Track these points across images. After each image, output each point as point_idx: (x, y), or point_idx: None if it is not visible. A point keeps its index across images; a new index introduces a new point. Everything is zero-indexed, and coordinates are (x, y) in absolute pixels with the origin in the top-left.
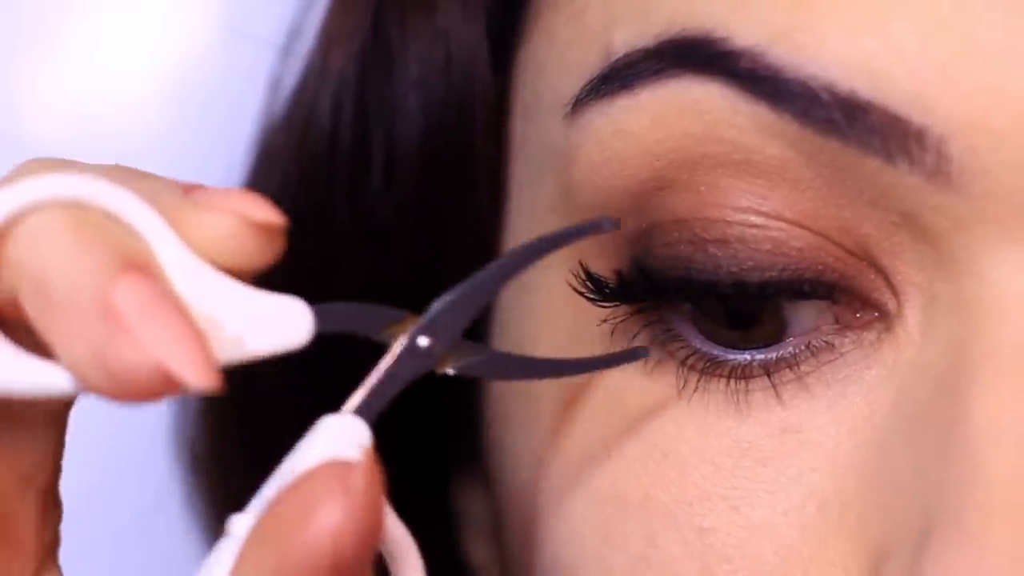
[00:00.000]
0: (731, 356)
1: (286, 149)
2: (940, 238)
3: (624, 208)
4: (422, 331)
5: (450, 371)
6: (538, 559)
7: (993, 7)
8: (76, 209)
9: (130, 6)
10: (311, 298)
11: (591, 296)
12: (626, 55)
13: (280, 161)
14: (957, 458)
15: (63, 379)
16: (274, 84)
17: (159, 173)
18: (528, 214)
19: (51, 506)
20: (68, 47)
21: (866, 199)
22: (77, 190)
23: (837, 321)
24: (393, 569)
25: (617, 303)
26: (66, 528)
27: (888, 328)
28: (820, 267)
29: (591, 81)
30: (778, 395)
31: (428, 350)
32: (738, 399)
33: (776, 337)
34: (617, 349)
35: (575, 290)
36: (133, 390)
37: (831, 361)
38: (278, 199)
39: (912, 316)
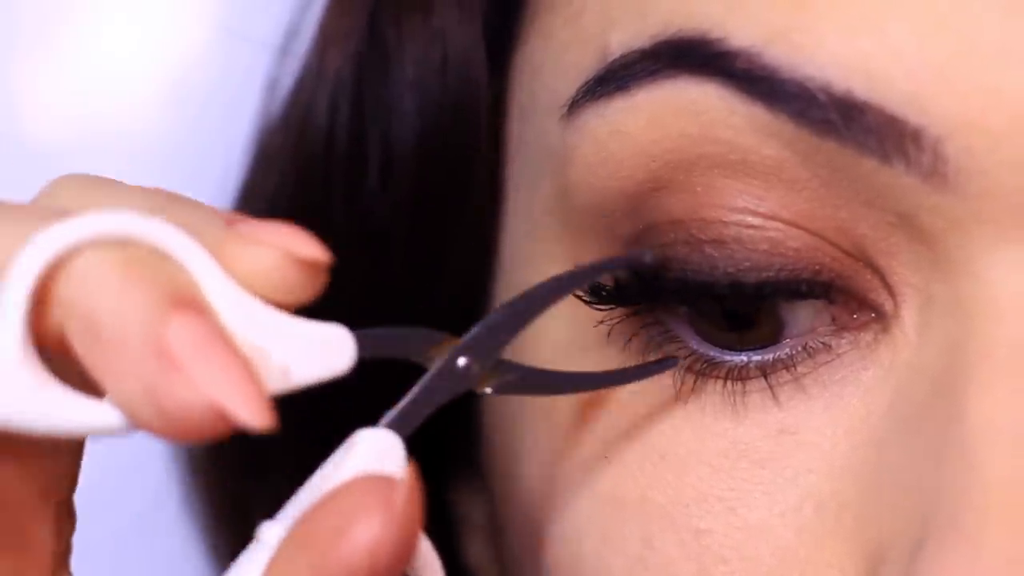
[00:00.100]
0: (728, 357)
1: (283, 149)
2: (936, 238)
3: (620, 209)
4: (460, 351)
5: (488, 390)
6: (539, 560)
7: (990, 7)
8: (123, 246)
9: (130, 6)
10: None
11: (587, 299)
12: (622, 56)
13: (277, 161)
14: (953, 459)
15: (113, 417)
16: (271, 85)
17: (158, 173)
18: (525, 215)
19: (66, 517)
20: (68, 47)
21: (863, 199)
22: (124, 227)
23: (834, 322)
24: None
25: (613, 305)
26: None
27: (885, 329)
28: (817, 267)
29: (587, 83)
30: (775, 396)
31: (466, 370)
32: (735, 400)
33: (773, 338)
34: (614, 350)
35: (572, 293)
36: (186, 428)
37: (828, 362)
38: (275, 199)
39: (908, 317)
